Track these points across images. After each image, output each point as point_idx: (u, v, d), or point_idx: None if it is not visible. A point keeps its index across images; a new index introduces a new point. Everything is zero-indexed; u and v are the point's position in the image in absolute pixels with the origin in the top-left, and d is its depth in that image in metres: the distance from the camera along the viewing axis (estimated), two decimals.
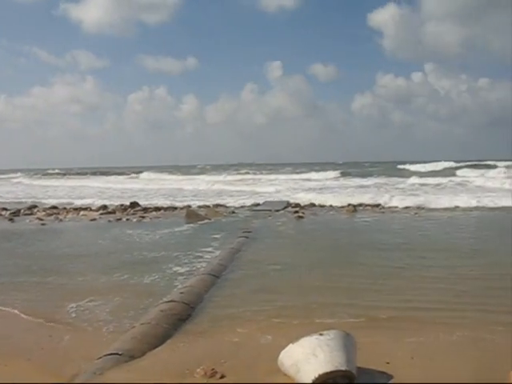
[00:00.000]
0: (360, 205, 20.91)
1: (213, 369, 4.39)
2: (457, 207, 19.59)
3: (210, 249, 11.12)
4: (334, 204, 21.33)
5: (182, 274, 8.65)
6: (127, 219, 17.96)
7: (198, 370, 4.40)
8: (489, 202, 20.39)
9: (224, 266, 9.05)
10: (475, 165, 57.95)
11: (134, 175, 64.18)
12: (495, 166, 54.47)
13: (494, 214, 18.09)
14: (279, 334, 5.36)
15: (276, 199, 24.08)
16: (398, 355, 4.79)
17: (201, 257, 10.21)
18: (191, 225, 15.96)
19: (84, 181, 52.49)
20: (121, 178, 59.98)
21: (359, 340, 4.53)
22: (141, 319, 5.99)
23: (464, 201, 20.69)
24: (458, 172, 49.01)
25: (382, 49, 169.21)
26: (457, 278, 7.89)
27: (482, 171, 47.41)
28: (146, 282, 8.17)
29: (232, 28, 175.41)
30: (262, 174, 57.81)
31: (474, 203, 20.14)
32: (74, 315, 6.50)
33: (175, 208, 21.33)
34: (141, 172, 68.48)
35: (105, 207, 21.64)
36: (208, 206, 21.50)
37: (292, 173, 56.89)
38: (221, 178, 50.98)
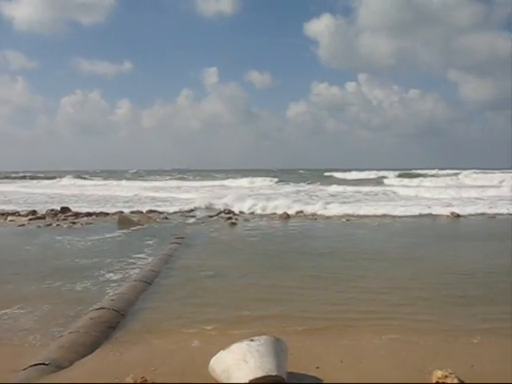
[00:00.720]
0: (297, 212, 21.05)
1: (143, 377, 4.32)
2: (385, 215, 20.07)
3: (142, 255, 10.97)
4: (268, 211, 21.42)
5: (114, 281, 8.49)
6: (57, 225, 17.42)
7: (128, 378, 4.33)
8: (417, 209, 21.10)
9: (156, 272, 8.95)
10: (405, 173, 59.99)
11: (62, 179, 62.07)
12: (424, 175, 56.60)
13: (420, 221, 18.74)
14: (211, 341, 5.35)
15: (209, 205, 24.00)
16: (328, 359, 4.88)
17: (134, 263, 10.05)
18: (124, 231, 15.67)
19: (12, 185, 50.55)
20: (47, 182, 58.00)
21: (290, 345, 4.59)
22: (69, 327, 5.84)
23: (390, 209, 21.28)
24: (386, 181, 50.56)
25: (317, 58, 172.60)
26: (387, 286, 8.07)
27: (410, 180, 49.09)
28: (78, 290, 7.97)
29: (169, 32, 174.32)
30: (196, 179, 57.57)
31: (401, 211, 20.75)
32: None
33: (107, 214, 20.85)
34: (77, 176, 66.68)
35: (34, 212, 20.89)
36: (141, 212, 21.17)
37: (227, 178, 56.89)
38: (155, 183, 50.42)
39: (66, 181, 59.38)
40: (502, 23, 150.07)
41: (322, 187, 38.17)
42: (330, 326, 6.02)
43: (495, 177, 50.87)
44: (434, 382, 4.30)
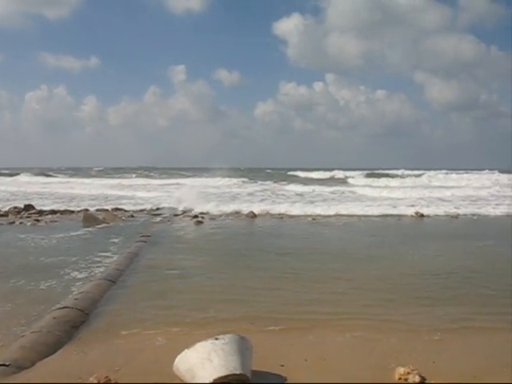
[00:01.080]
0: (263, 211, 20.99)
1: (106, 376, 4.28)
2: (351, 215, 20.22)
3: (108, 253, 10.86)
4: (234, 210, 21.35)
5: (79, 280, 8.38)
6: (21, 223, 17.10)
7: (91, 378, 4.28)
8: (381, 209, 21.39)
9: (121, 270, 8.88)
10: (371, 173, 60.64)
11: (19, 176, 60.32)
12: (390, 175, 57.34)
13: (385, 220, 18.98)
14: (176, 341, 5.31)
15: (175, 204, 23.82)
16: (293, 358, 4.91)
17: (99, 261, 9.94)
18: (89, 229, 15.49)
19: None
20: (8, 179, 56.48)
21: (255, 344, 4.60)
22: (32, 327, 5.74)
23: (355, 208, 21.54)
24: (352, 180, 51.02)
25: (286, 57, 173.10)
26: (352, 286, 8.14)
27: (376, 180, 49.65)
28: (42, 288, 7.83)
29: (137, 28, 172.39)
30: (162, 178, 57.11)
31: (366, 211, 21.00)
32: None
33: (72, 211, 20.57)
34: (40, 173, 65.30)
35: None
36: (106, 210, 20.94)
37: (193, 177, 56.57)
38: (120, 180, 49.89)
39: (25, 178, 57.64)
40: (467, 27, 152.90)
41: (289, 187, 38.28)
42: (296, 326, 6.04)
43: (460, 177, 51.85)
44: (397, 378, 4.37)
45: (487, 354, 5.17)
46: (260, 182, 44.76)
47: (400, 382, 4.35)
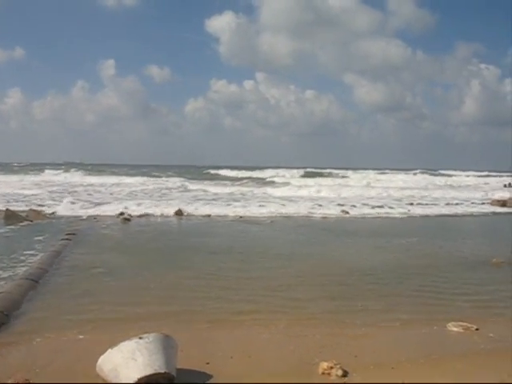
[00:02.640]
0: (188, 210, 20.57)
1: (26, 379, 4.16)
2: (277, 214, 20.35)
3: (32, 251, 10.50)
4: (160, 209, 20.90)
5: (2, 279, 8.06)
6: None
7: (10, 380, 4.14)
8: (307, 208, 21.75)
9: (44, 270, 8.60)
10: (305, 172, 61.40)
11: None
12: (319, 174, 58.34)
13: (311, 219, 19.31)
14: (99, 341, 5.20)
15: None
16: (219, 355, 4.92)
17: (23, 260, 9.58)
18: (11, 227, 14.96)
19: None
20: None
21: (181, 342, 4.59)
22: None
23: (282, 207, 21.87)
24: (280, 179, 51.47)
25: (217, 55, 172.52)
26: (278, 284, 8.25)
27: (304, 179, 50.33)
28: None
29: (65, 19, 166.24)
30: (90, 174, 55.64)
31: (293, 209, 21.27)
32: None
33: None
34: None
35: None
36: (30, 208, 20.21)
37: (120, 175, 55.35)
38: (46, 177, 48.31)
39: None
40: (395, 31, 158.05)
41: (220, 187, 38.06)
42: (222, 323, 6.07)
43: (387, 177, 53.49)
44: (320, 373, 4.47)
45: (406, 346, 5.38)
46: (191, 181, 44.34)
47: (323, 376, 4.44)
